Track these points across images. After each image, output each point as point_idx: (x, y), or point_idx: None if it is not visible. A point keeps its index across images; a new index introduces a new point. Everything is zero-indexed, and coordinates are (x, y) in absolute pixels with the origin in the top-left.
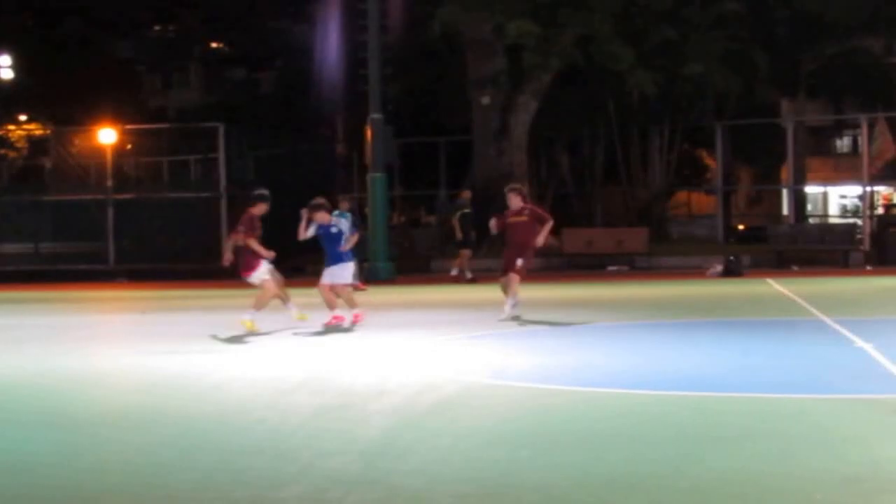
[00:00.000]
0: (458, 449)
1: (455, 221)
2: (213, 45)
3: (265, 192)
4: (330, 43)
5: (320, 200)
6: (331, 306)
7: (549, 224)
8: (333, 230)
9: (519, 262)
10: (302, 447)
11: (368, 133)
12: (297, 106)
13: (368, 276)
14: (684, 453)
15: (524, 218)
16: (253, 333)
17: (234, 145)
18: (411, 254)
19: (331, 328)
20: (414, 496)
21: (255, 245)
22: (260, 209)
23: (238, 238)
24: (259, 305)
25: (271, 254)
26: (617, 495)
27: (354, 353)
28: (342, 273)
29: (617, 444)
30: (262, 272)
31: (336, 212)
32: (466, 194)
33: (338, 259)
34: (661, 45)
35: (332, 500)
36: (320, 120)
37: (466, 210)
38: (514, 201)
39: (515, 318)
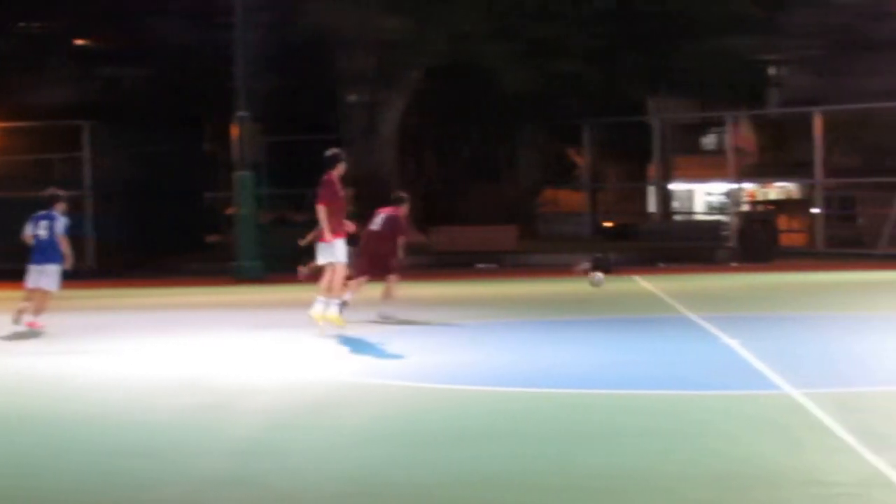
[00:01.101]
0: (331, 448)
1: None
2: (80, 41)
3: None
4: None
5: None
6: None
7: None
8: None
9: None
10: (175, 447)
11: (235, 131)
12: (166, 103)
13: (237, 276)
14: (558, 450)
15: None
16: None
17: (100, 143)
18: (279, 252)
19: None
20: (286, 495)
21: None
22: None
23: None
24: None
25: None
26: (491, 493)
27: (226, 353)
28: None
29: (492, 442)
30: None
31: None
32: (349, 192)
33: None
34: (532, 42)
35: (206, 500)
36: (189, 118)
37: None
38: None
39: (387, 318)
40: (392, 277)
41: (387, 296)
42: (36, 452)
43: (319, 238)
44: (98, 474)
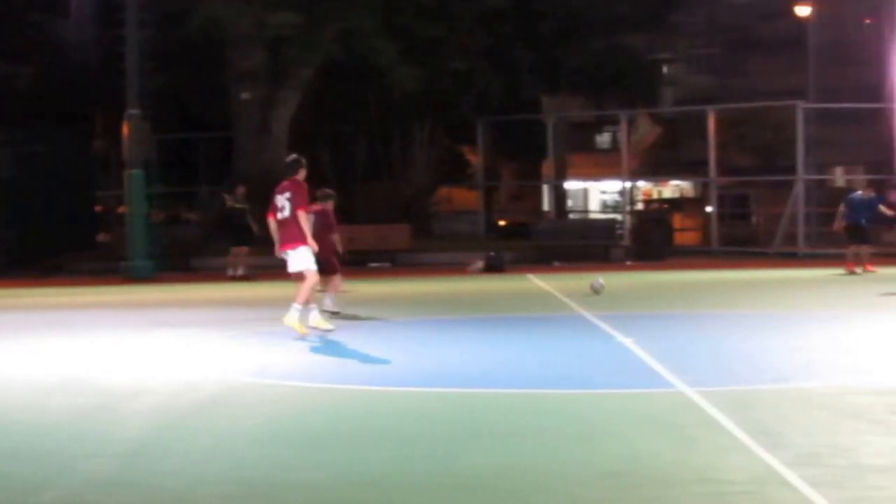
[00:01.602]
0: (220, 449)
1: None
2: None
3: None
4: (88, 37)
5: None
6: None
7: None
8: None
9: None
10: (59, 449)
11: (125, 129)
12: (55, 101)
13: (127, 275)
14: (448, 450)
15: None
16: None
17: None
18: (171, 251)
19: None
20: (174, 497)
21: None
22: None
23: None
24: None
25: None
26: (382, 493)
27: (113, 354)
28: None
29: (382, 442)
30: None
31: None
32: (241, 190)
33: None
34: (425, 41)
35: (90, 503)
36: (79, 115)
37: (239, 205)
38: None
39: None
40: (336, 276)
41: (333, 290)
42: None
43: (294, 245)
44: None
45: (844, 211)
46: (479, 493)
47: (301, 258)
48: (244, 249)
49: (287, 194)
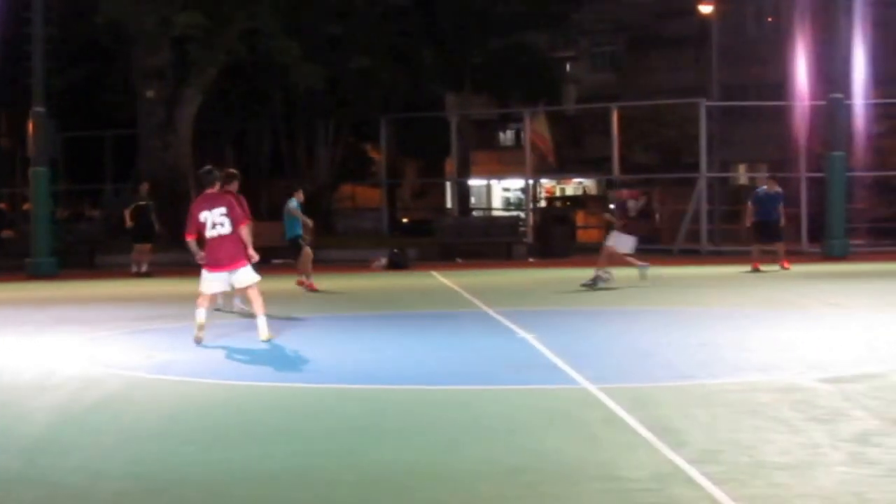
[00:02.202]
0: (121, 445)
1: (127, 212)
2: None
3: None
4: None
5: None
6: None
7: None
8: None
9: None
10: None
11: (31, 127)
12: None
13: (31, 272)
14: (350, 446)
15: None
16: None
17: None
18: (75, 249)
19: None
20: (75, 494)
21: None
22: None
23: None
24: None
25: None
26: (282, 489)
27: (14, 350)
28: None
29: (282, 438)
30: None
31: None
32: (144, 187)
33: None
34: (328, 39)
35: None
36: None
37: (142, 202)
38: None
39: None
40: None
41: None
42: None
43: (237, 265)
44: None
45: (752, 208)
46: (379, 488)
47: (247, 275)
48: (147, 246)
49: (222, 209)
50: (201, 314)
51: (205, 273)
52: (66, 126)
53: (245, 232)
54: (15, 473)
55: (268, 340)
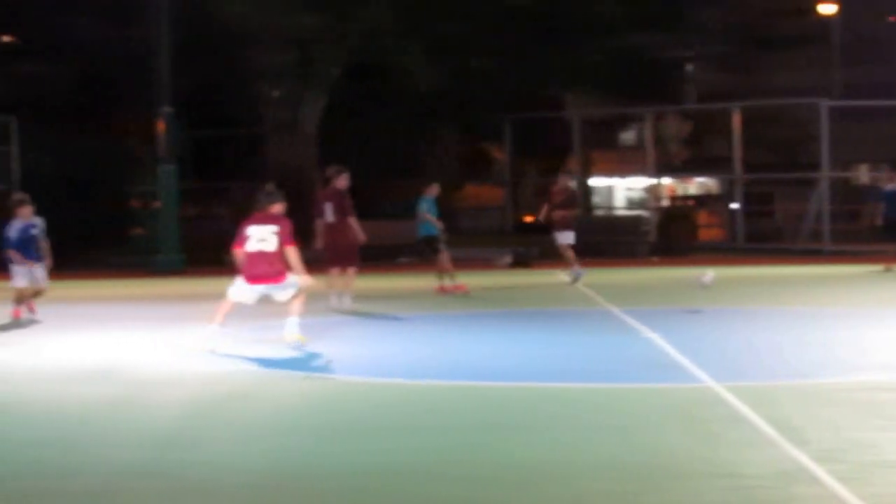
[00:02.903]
0: (248, 439)
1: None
2: (5, 38)
3: None
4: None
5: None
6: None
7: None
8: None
9: None
10: (92, 439)
11: (159, 126)
12: (91, 100)
13: (158, 269)
14: (473, 443)
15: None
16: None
17: (27, 139)
18: (202, 246)
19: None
20: (203, 487)
21: None
22: None
23: None
24: None
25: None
26: (406, 484)
27: (146, 344)
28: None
29: (405, 434)
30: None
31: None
32: (269, 187)
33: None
34: (450, 40)
35: (120, 490)
36: (112, 113)
37: None
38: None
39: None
40: (353, 269)
41: (347, 287)
42: None
43: (280, 279)
44: (13, 464)
45: (880, 206)
46: (502, 484)
47: (290, 287)
48: None
49: (274, 228)
50: (215, 331)
51: (240, 282)
52: (194, 125)
53: (293, 254)
54: (144, 467)
55: (295, 343)
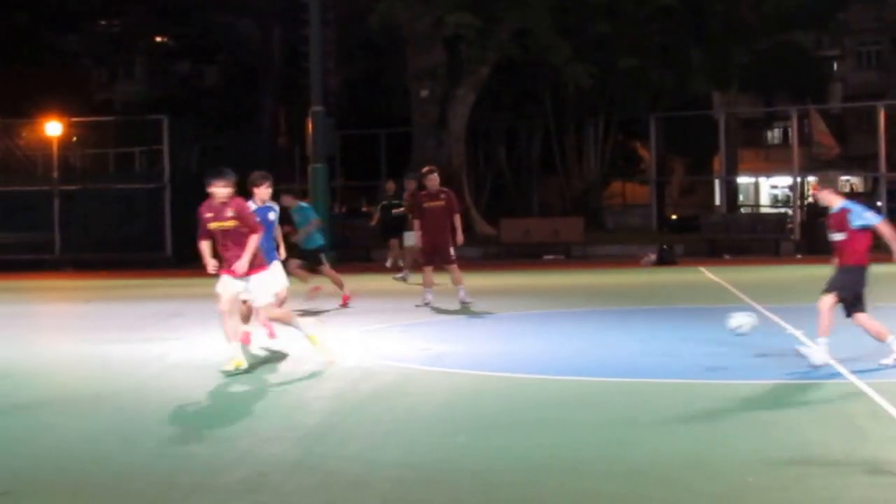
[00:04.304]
0: (396, 434)
1: (376, 212)
2: (158, 38)
3: None
4: (272, 36)
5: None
6: None
7: (458, 215)
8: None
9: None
10: (243, 433)
11: (310, 125)
12: (240, 98)
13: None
14: (618, 438)
15: (441, 202)
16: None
17: (177, 138)
18: (351, 243)
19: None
20: (353, 481)
21: None
22: None
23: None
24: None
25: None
26: (553, 479)
27: (294, 341)
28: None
29: (553, 430)
30: None
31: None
32: (390, 185)
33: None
34: (597, 38)
35: (271, 484)
36: (263, 112)
37: (385, 202)
38: (433, 183)
39: (466, 305)
40: (450, 266)
41: (457, 282)
42: (106, 438)
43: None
44: (167, 458)
45: None
46: (648, 479)
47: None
48: (393, 242)
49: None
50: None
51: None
52: (343, 124)
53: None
54: (295, 460)
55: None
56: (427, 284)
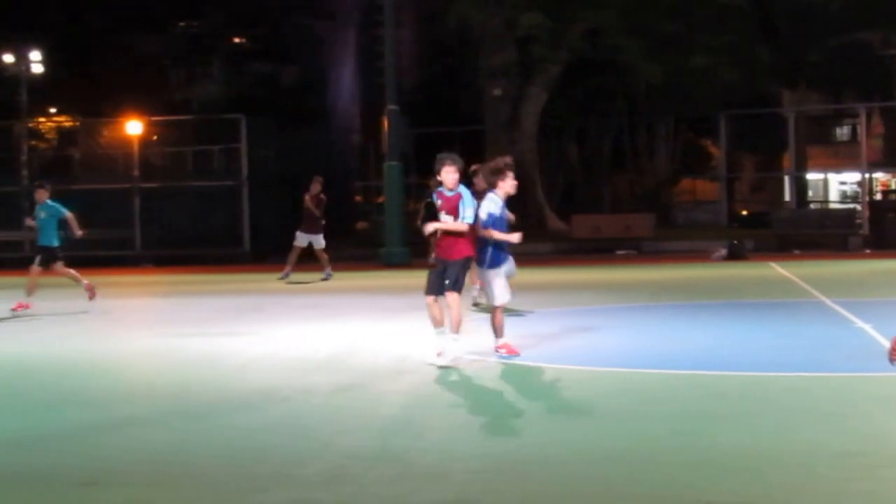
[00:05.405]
0: (472, 426)
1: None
2: (235, 39)
3: None
4: (347, 36)
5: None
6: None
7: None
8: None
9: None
10: (322, 425)
11: (385, 123)
12: (315, 98)
13: (384, 261)
14: (691, 429)
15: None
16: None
17: (254, 136)
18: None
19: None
20: (431, 473)
21: None
22: None
23: None
24: None
25: None
26: (625, 470)
27: (373, 335)
28: None
29: (625, 421)
30: None
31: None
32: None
33: None
34: (667, 38)
35: (351, 475)
36: (338, 111)
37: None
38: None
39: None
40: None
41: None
42: (188, 429)
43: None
44: (248, 449)
45: None
46: (720, 470)
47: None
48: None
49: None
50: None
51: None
52: (417, 122)
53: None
54: (374, 452)
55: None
56: (473, 282)
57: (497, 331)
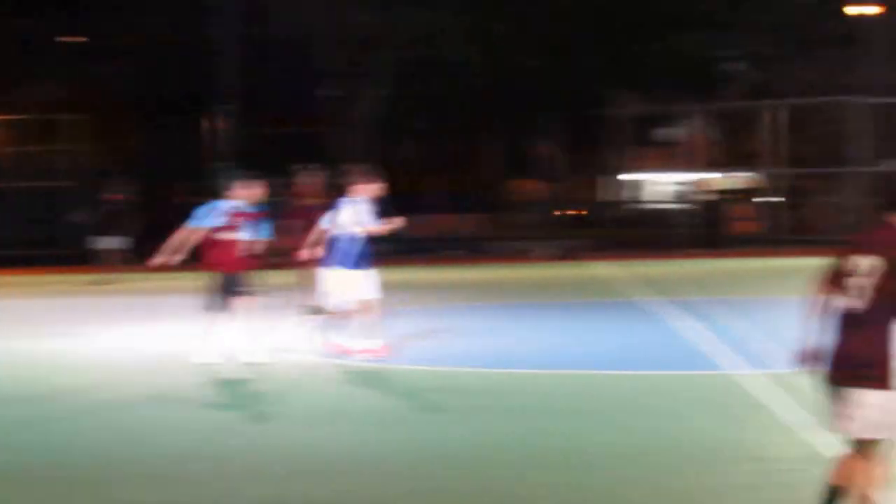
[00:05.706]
0: (295, 426)
1: None
2: (70, 39)
3: None
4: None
5: None
6: None
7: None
8: None
9: None
10: (147, 425)
11: (214, 123)
12: (154, 97)
13: None
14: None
15: None
16: None
17: (84, 137)
18: None
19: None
20: (250, 470)
21: None
22: None
23: None
24: None
25: None
26: (455, 467)
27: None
28: None
29: (446, 418)
30: None
31: None
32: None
33: None
34: (491, 38)
35: (172, 475)
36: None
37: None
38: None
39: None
40: None
41: None
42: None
43: None
44: (78, 449)
45: None
46: (539, 466)
47: None
48: None
49: None
50: None
51: None
52: (250, 122)
53: None
54: (195, 452)
55: None
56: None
57: (337, 332)
